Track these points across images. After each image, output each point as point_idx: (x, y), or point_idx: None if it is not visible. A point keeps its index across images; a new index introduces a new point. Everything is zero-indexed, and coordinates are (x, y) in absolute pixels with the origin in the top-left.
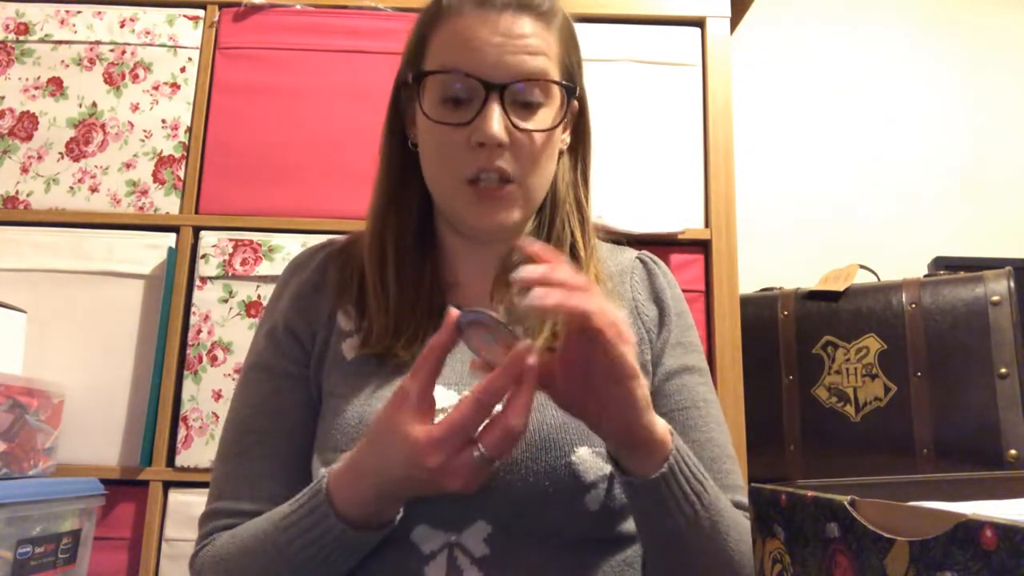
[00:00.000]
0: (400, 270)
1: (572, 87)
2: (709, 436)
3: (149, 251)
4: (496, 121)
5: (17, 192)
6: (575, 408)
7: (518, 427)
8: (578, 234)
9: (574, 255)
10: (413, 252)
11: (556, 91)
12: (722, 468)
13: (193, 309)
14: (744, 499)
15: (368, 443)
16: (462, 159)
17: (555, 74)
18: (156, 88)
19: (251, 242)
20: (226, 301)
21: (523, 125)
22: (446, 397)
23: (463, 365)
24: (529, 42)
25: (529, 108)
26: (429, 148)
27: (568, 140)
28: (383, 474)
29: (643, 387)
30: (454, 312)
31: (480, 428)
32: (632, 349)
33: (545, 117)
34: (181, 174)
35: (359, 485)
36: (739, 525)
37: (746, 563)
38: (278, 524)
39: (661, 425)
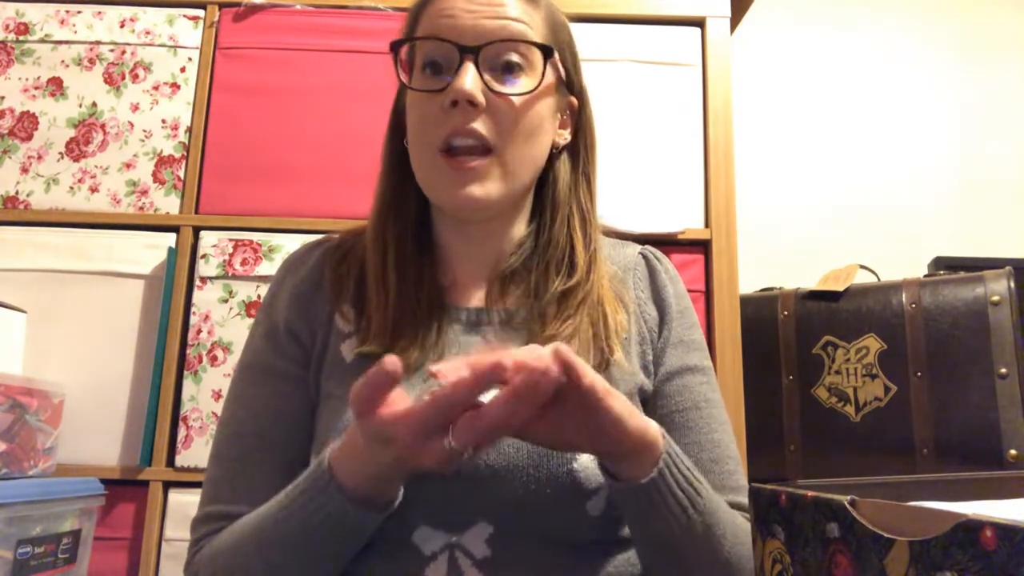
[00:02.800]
0: (401, 269)
1: (549, 48)
2: (710, 437)
3: (149, 251)
4: (469, 79)
5: (17, 192)
6: (563, 444)
7: (491, 435)
8: (578, 239)
9: (572, 261)
10: (412, 252)
11: (537, 59)
12: (724, 469)
13: (193, 309)
14: (746, 501)
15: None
16: (437, 125)
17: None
18: (156, 88)
19: (251, 242)
20: (226, 301)
21: (500, 88)
22: None
23: None
24: (507, 10)
25: (510, 74)
26: (411, 124)
27: (568, 137)
28: (372, 452)
29: (620, 399)
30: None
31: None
32: (588, 369)
33: (526, 84)
34: (181, 174)
35: (359, 460)
36: (736, 528)
37: (743, 566)
38: (279, 502)
39: (653, 428)
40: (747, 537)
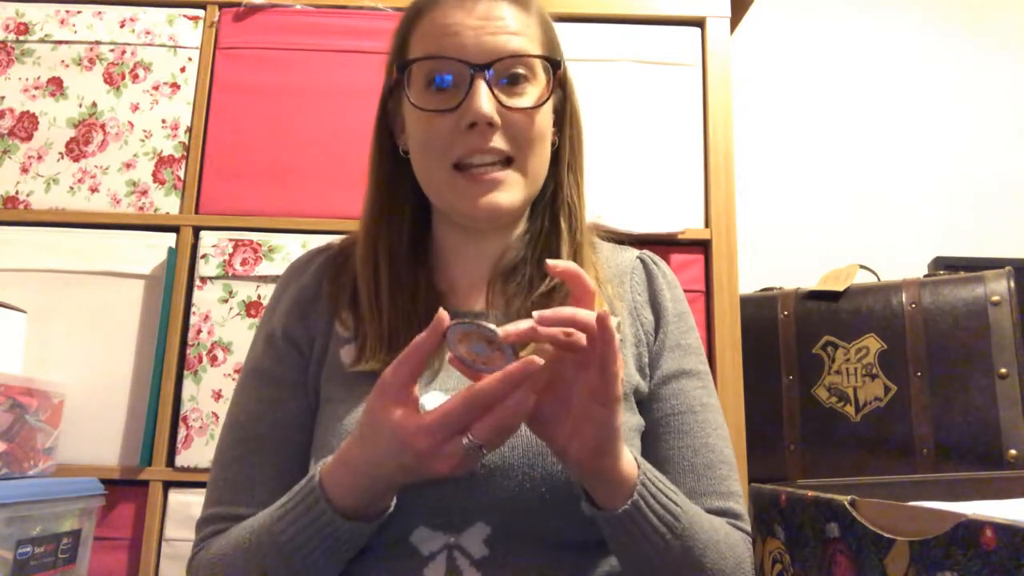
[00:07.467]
0: (394, 280)
1: (556, 60)
2: (704, 441)
3: (149, 251)
4: (485, 99)
5: (17, 192)
6: (547, 429)
7: (513, 426)
8: (564, 236)
9: (557, 258)
10: (407, 260)
11: (540, 70)
12: (717, 474)
13: (193, 309)
14: (739, 507)
15: (358, 436)
16: (452, 144)
17: (537, 52)
18: (156, 88)
19: (251, 242)
20: (226, 301)
21: (512, 103)
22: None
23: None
24: (508, 23)
25: (516, 87)
26: (418, 140)
27: (556, 132)
28: (375, 464)
29: (621, 415)
30: (444, 317)
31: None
32: (621, 376)
33: (533, 95)
34: (181, 174)
35: (351, 476)
36: (717, 544)
37: None
38: (272, 516)
39: (628, 457)
40: (731, 549)
